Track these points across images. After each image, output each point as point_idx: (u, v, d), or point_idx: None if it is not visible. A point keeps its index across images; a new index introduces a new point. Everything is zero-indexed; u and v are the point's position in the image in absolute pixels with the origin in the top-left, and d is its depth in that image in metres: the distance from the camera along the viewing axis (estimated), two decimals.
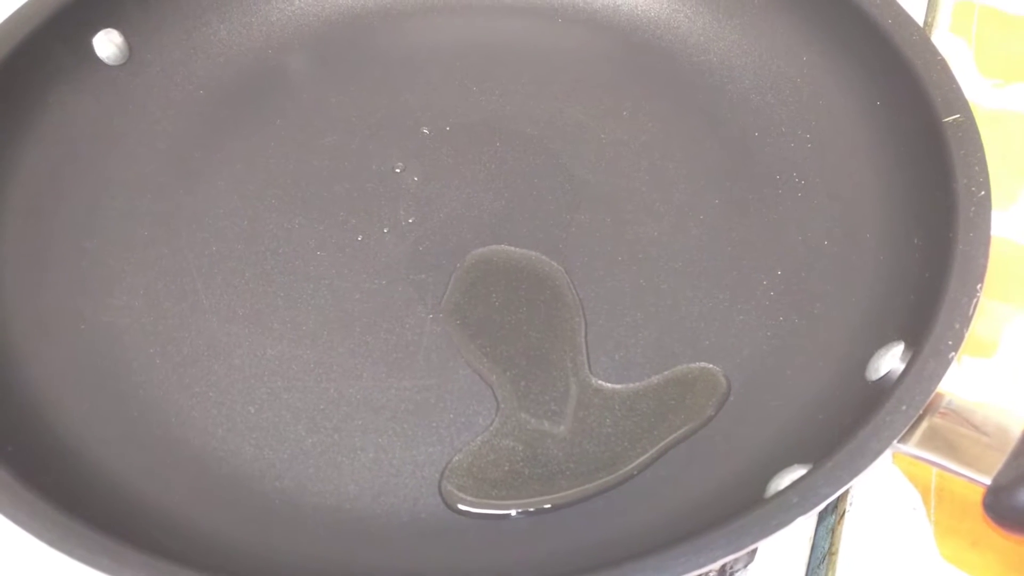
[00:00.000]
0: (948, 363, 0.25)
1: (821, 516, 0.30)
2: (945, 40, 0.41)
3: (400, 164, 0.36)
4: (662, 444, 0.29)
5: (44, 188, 0.34)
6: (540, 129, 0.37)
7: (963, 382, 0.32)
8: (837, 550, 0.29)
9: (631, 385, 0.30)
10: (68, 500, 0.24)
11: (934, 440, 0.25)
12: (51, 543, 0.23)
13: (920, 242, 0.30)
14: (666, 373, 0.30)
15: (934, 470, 0.29)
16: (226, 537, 0.26)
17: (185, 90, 0.37)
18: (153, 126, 0.36)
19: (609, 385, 0.30)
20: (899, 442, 0.25)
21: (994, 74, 0.40)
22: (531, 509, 0.28)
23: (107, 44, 0.36)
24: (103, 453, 0.28)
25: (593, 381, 0.30)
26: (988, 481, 0.24)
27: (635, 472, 0.28)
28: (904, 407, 0.25)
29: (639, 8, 0.39)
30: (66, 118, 0.35)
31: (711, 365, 0.30)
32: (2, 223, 0.32)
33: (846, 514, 0.29)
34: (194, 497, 0.27)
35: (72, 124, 0.35)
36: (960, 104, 0.30)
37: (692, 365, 0.30)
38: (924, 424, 0.25)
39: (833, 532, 0.30)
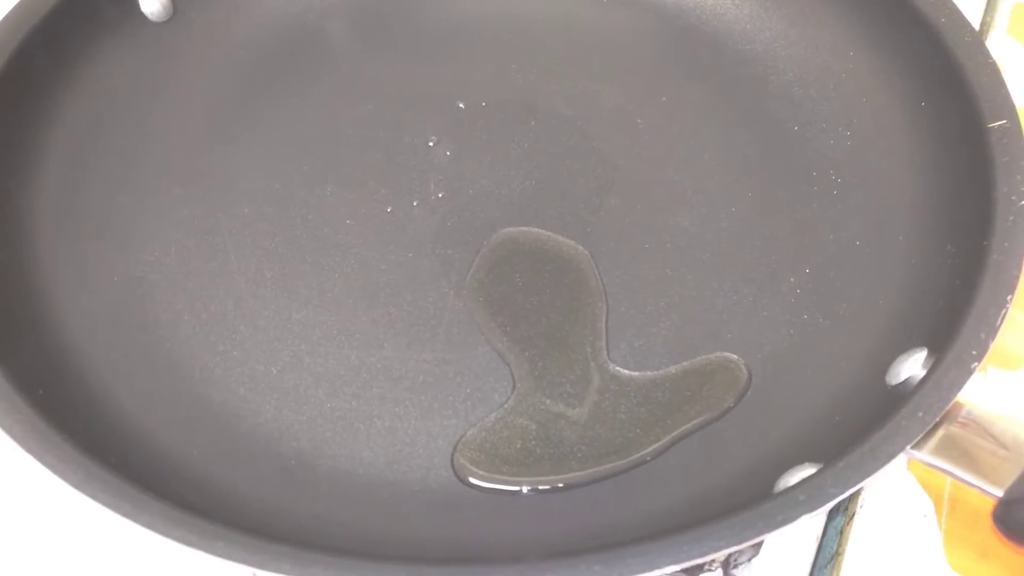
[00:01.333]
0: (970, 372, 0.25)
1: (830, 516, 0.30)
2: (1001, 42, 0.40)
3: (434, 138, 0.36)
4: (675, 433, 0.29)
5: (83, 140, 0.34)
6: (576, 110, 0.37)
7: (987, 393, 0.31)
8: (844, 551, 0.29)
9: (648, 373, 0.30)
10: (93, 446, 0.24)
11: (950, 449, 0.25)
12: (76, 485, 0.23)
13: (953, 248, 0.29)
14: (684, 364, 0.30)
15: (948, 479, 0.29)
16: (242, 492, 0.27)
17: (225, 50, 0.38)
18: (192, 85, 0.37)
19: (627, 372, 0.30)
20: (914, 449, 0.25)
21: None
22: (541, 487, 0.28)
23: (152, 1, 0.36)
24: (129, 403, 0.29)
25: (611, 367, 0.30)
26: (1001, 493, 0.24)
27: (647, 459, 0.28)
28: (921, 413, 0.24)
29: None
30: (107, 72, 0.35)
31: (734, 356, 0.30)
32: (43, 173, 0.33)
33: (856, 516, 0.29)
34: (213, 451, 0.28)
35: (113, 78, 0.35)
36: (1007, 109, 0.30)
37: (712, 356, 0.30)
38: (941, 432, 0.25)
39: (842, 533, 0.30)
